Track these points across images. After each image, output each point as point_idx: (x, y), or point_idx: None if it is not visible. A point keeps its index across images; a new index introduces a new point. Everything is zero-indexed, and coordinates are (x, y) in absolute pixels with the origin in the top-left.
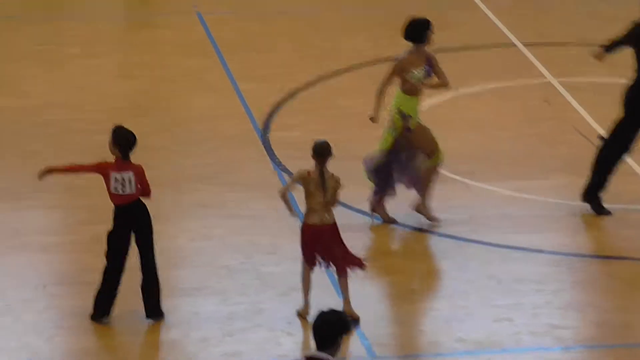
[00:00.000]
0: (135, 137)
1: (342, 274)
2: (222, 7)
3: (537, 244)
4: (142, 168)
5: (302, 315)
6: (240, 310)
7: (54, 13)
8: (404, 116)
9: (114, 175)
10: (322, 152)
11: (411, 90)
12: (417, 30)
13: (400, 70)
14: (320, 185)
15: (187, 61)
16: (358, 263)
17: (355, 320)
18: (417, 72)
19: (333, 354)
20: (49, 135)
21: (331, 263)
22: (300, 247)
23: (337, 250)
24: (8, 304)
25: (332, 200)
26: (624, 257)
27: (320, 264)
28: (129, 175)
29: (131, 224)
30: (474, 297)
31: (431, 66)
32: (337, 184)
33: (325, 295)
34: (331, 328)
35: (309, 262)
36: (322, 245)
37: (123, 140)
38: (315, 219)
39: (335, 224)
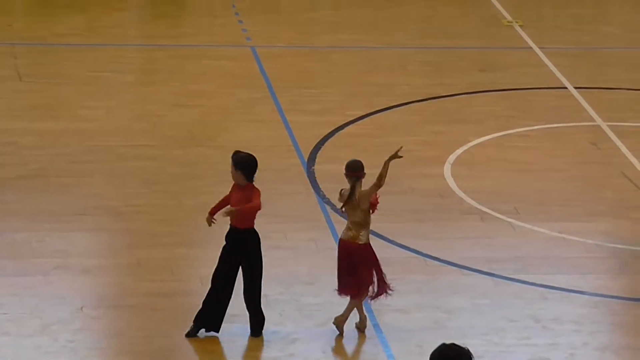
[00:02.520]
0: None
1: (355, 296)
2: (277, 41)
3: (578, 285)
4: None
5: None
6: (276, 339)
7: (110, 40)
8: None
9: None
10: (355, 169)
11: None
12: None
13: None
14: (349, 203)
15: (240, 93)
16: (383, 290)
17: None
18: None
19: None
20: (99, 161)
21: (350, 283)
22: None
23: (364, 272)
24: (45, 324)
25: (365, 220)
26: None
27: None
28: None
29: (233, 248)
30: (511, 335)
31: None
32: (368, 197)
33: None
34: None
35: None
36: (349, 262)
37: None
38: (346, 235)
39: (367, 244)
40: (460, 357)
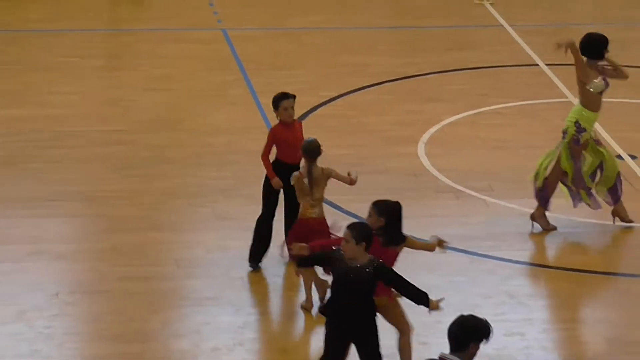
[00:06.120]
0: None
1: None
2: (248, 23)
3: (553, 261)
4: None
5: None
6: (252, 320)
7: (77, 25)
8: (579, 128)
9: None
10: (311, 151)
11: (592, 106)
12: (595, 47)
13: (583, 75)
14: (310, 183)
15: (211, 76)
16: None
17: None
18: (598, 82)
19: (464, 359)
20: (69, 146)
21: None
22: (289, 242)
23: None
24: (21, 311)
25: (322, 196)
26: (637, 274)
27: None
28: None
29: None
30: (486, 311)
31: (606, 80)
32: (328, 175)
33: None
34: (463, 332)
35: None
36: (313, 237)
37: None
38: (307, 214)
39: (324, 219)
40: (478, 327)
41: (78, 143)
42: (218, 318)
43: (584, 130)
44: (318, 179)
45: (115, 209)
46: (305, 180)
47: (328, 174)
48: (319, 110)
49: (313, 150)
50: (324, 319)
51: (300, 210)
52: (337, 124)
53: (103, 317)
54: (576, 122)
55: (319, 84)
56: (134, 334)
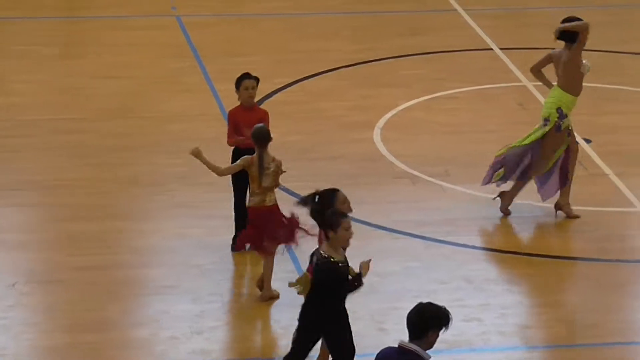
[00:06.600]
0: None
1: (268, 254)
2: (202, 10)
3: (509, 245)
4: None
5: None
6: (211, 309)
7: (34, 13)
8: (561, 115)
9: None
10: (260, 137)
11: (575, 90)
12: (573, 31)
13: (580, 59)
14: (260, 170)
15: (166, 63)
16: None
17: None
18: (587, 64)
19: (423, 347)
20: (30, 135)
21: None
22: (247, 231)
23: (278, 231)
24: None
25: (273, 184)
26: (594, 258)
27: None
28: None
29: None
30: (443, 296)
31: None
32: (278, 168)
33: None
34: (422, 320)
35: (256, 243)
36: (263, 225)
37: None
38: (255, 202)
39: (275, 205)
40: (437, 315)
41: (36, 132)
42: (176, 306)
43: (566, 116)
44: (268, 167)
45: (72, 198)
46: (254, 168)
47: (278, 164)
48: (274, 97)
49: (263, 136)
50: (283, 308)
51: (256, 199)
52: (292, 110)
53: (60, 307)
54: (558, 109)
55: (275, 70)
56: (91, 324)
